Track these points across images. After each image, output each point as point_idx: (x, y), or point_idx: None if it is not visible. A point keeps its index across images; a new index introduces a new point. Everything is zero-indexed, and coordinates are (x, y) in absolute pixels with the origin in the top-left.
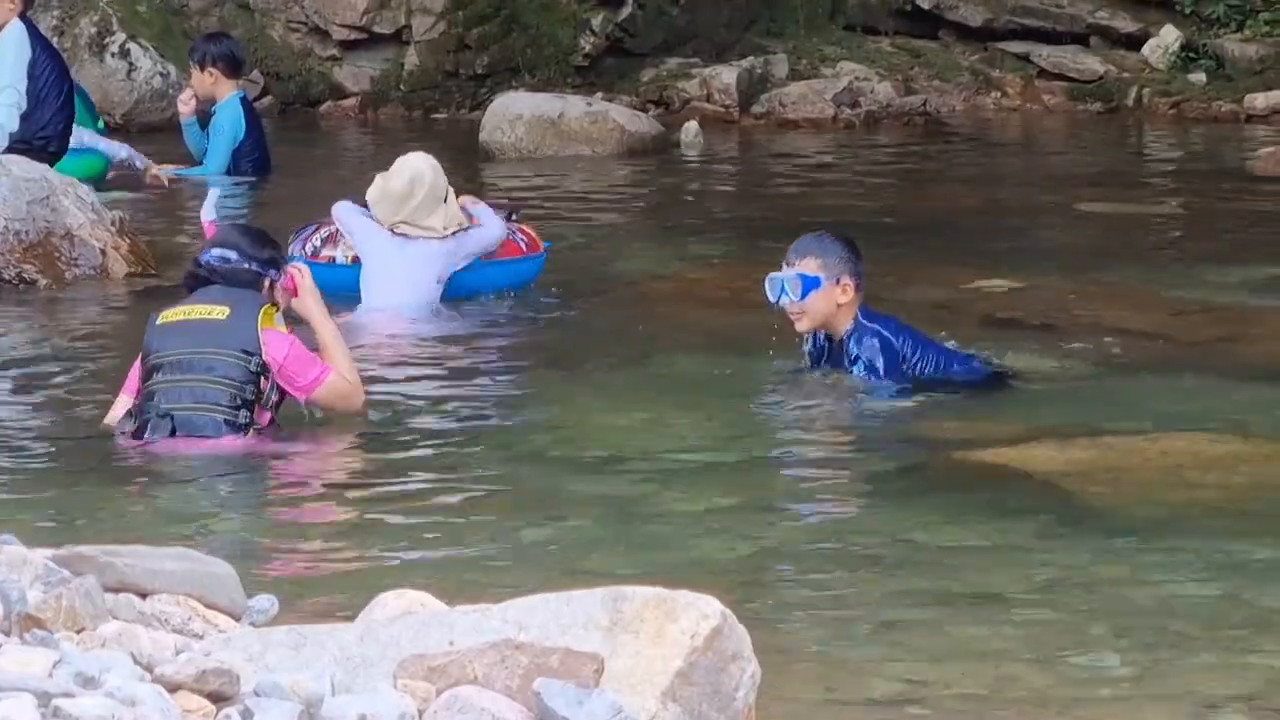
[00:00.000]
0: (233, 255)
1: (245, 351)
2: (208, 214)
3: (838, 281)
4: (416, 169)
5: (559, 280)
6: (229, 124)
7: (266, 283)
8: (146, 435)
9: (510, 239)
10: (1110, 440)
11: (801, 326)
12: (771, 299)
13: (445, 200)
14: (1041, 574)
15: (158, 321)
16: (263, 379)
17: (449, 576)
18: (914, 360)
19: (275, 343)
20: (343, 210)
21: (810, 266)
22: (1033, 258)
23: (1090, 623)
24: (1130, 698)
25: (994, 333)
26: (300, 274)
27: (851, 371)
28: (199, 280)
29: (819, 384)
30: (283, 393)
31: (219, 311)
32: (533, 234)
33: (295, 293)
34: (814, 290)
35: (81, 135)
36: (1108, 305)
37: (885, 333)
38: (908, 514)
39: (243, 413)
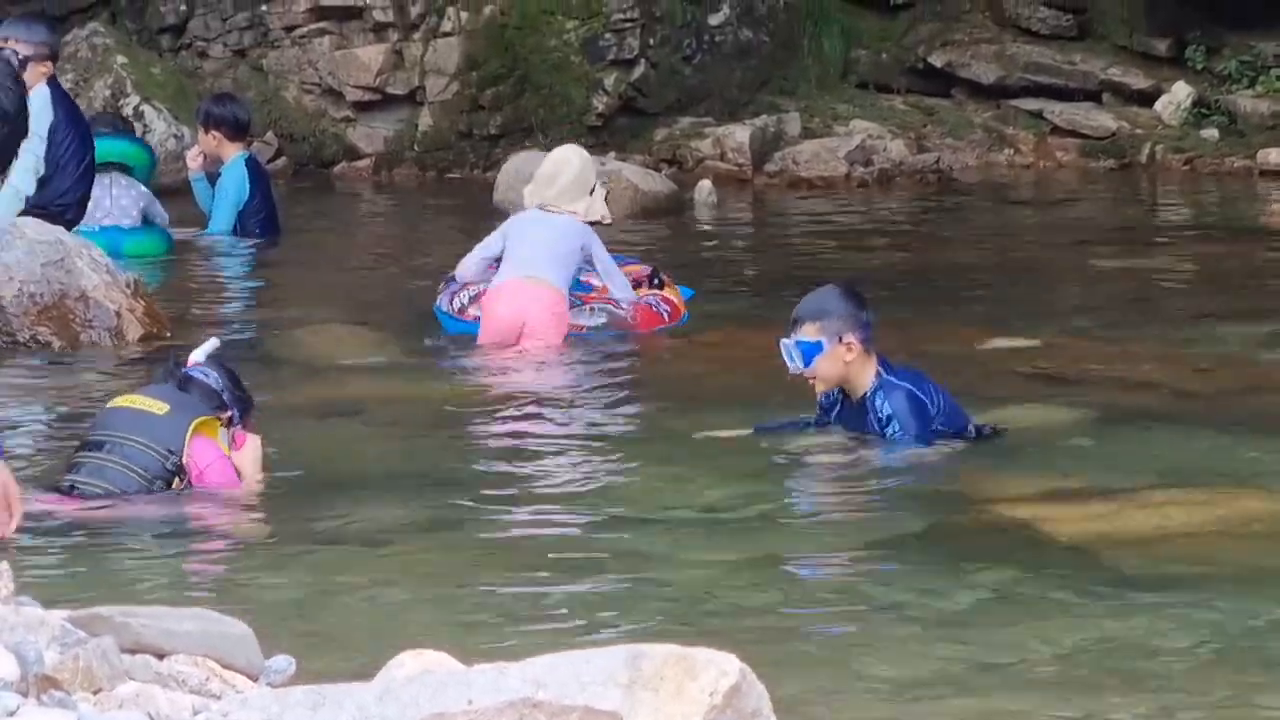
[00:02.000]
0: (213, 375)
1: (168, 450)
2: (198, 356)
3: (840, 339)
4: (564, 155)
5: (572, 337)
6: (233, 185)
7: (226, 416)
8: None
9: (651, 308)
10: (1129, 496)
11: (819, 389)
12: (788, 365)
13: (591, 193)
14: (1061, 632)
15: (108, 404)
16: (177, 479)
17: (465, 635)
18: (940, 414)
19: (202, 451)
20: (474, 260)
21: (809, 332)
22: (1049, 314)
23: (1110, 681)
24: None
25: (1012, 389)
26: (252, 443)
27: (883, 431)
28: (166, 377)
29: (836, 440)
30: None
31: (159, 407)
32: (675, 300)
33: (238, 447)
34: (817, 355)
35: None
36: (1124, 361)
37: (913, 388)
38: (927, 571)
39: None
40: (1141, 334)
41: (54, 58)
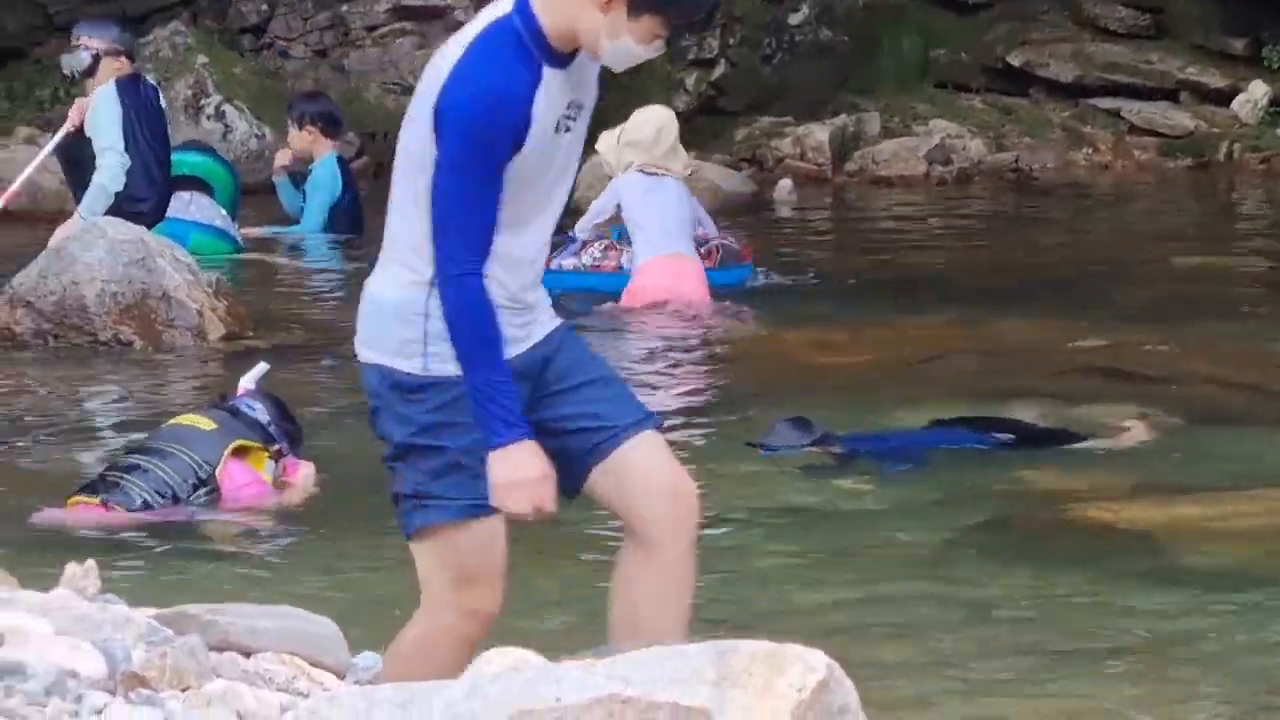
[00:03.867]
0: (258, 408)
1: (204, 461)
2: (248, 382)
3: None
4: (662, 116)
5: (653, 340)
6: (327, 181)
7: (275, 448)
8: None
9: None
10: (1208, 494)
11: None
12: None
13: (677, 150)
14: (1142, 630)
15: (167, 423)
16: (204, 488)
17: (547, 632)
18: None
19: (238, 472)
20: (588, 223)
21: None
22: (1127, 313)
23: (1191, 679)
24: None
25: (1091, 387)
26: (304, 470)
27: None
28: (217, 407)
29: (914, 437)
30: None
31: (207, 424)
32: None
33: (291, 476)
34: None
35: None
36: (1203, 359)
37: None
38: (1006, 568)
39: (157, 498)
40: (1220, 333)
41: (128, 55)
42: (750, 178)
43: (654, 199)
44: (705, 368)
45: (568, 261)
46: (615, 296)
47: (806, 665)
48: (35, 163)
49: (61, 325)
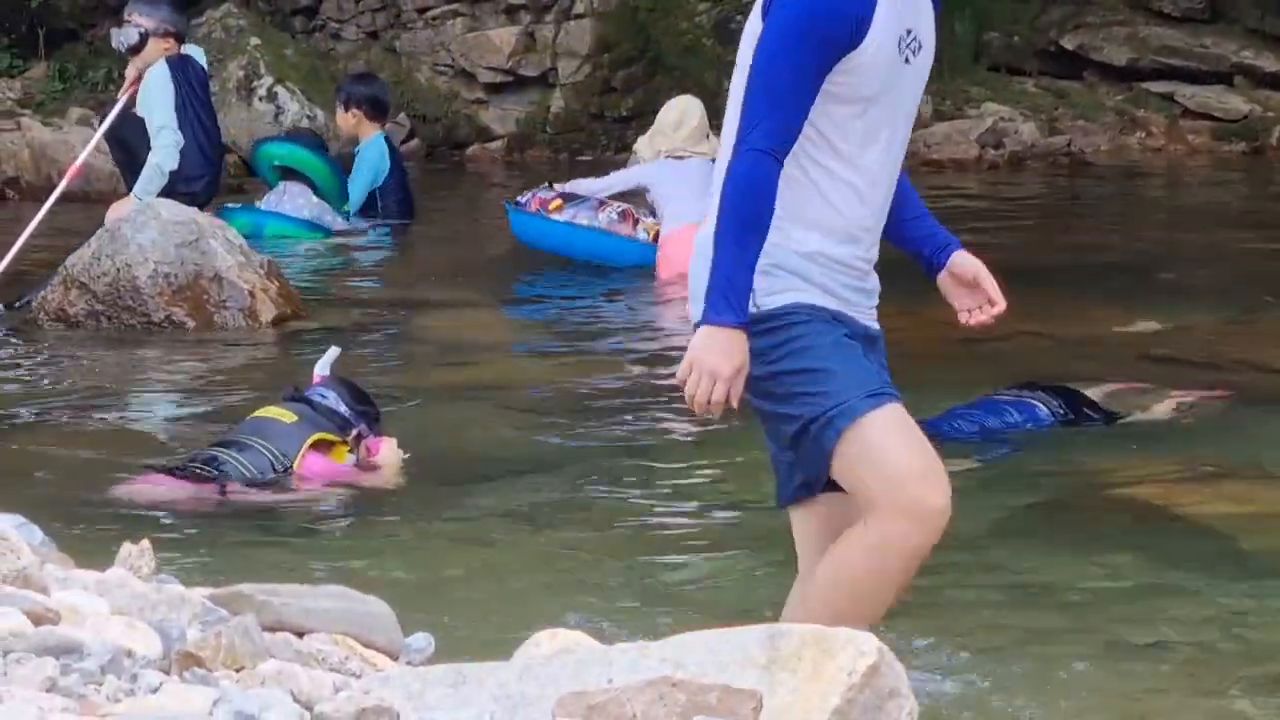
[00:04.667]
0: (331, 396)
1: (282, 453)
2: (322, 369)
3: None
4: (687, 104)
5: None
6: (371, 162)
7: (354, 433)
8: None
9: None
10: (1263, 478)
11: None
12: None
13: (709, 138)
14: (1196, 616)
15: (251, 415)
16: (282, 477)
17: (596, 616)
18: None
19: (317, 465)
20: (595, 185)
21: None
22: (1181, 297)
23: (1244, 665)
24: None
25: (1143, 372)
26: (388, 445)
27: None
28: (291, 399)
29: (963, 418)
30: None
31: (288, 416)
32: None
33: (374, 454)
34: None
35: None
36: (1257, 344)
37: None
38: (1057, 553)
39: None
40: (1274, 317)
41: (178, 37)
42: None
43: (680, 176)
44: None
45: (583, 218)
46: (624, 262)
47: (857, 649)
48: (94, 141)
49: (114, 306)
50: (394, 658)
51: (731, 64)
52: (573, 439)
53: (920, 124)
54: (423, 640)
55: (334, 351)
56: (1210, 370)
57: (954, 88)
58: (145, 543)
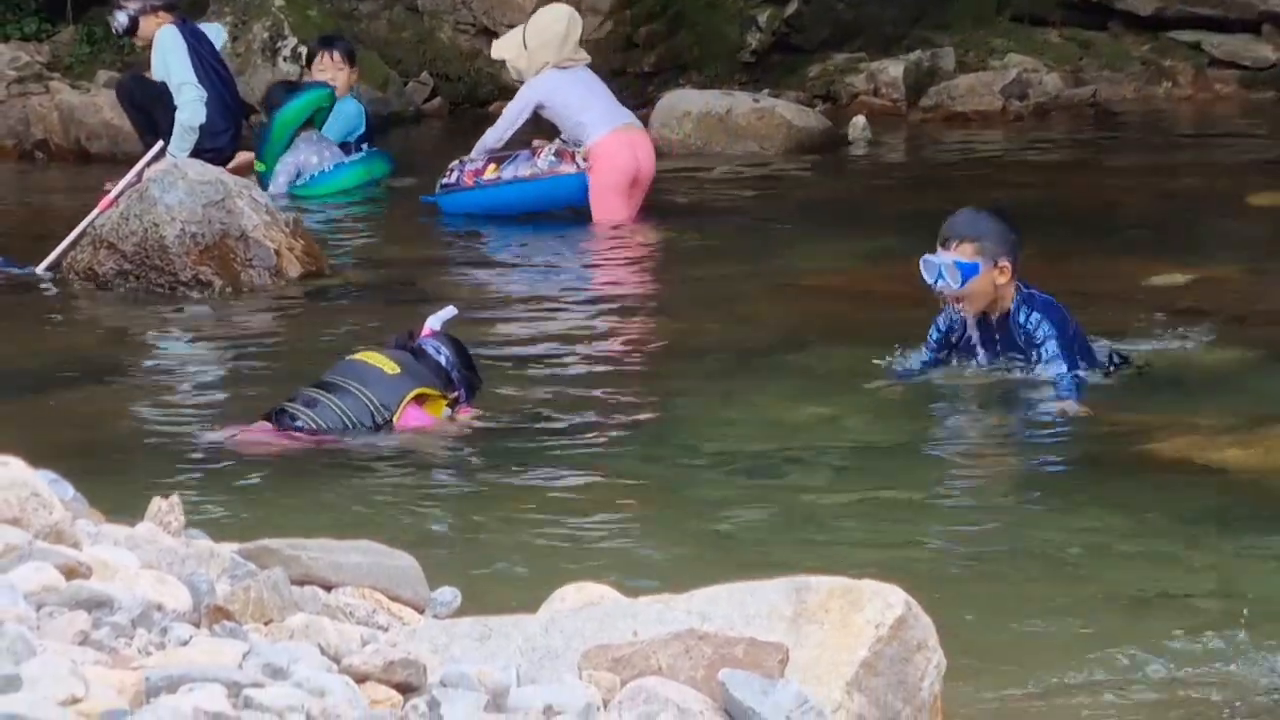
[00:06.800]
0: (444, 353)
1: (383, 405)
2: (434, 323)
3: (996, 264)
4: (566, 11)
5: (725, 274)
6: (354, 112)
7: (453, 396)
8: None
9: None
10: None
11: (966, 311)
12: (928, 280)
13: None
14: (1226, 572)
15: (348, 355)
16: (381, 430)
17: (622, 569)
18: (1076, 336)
19: (413, 416)
20: (496, 134)
21: (967, 252)
22: (1208, 248)
23: (1268, 613)
24: None
25: (1172, 324)
26: (467, 415)
27: (1031, 346)
28: (402, 344)
29: (990, 375)
30: None
31: (391, 366)
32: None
33: (462, 411)
34: (973, 277)
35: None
36: None
37: (1053, 300)
38: (1085, 509)
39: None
40: None
41: (167, 8)
42: (824, 115)
43: (582, 86)
44: (786, 304)
45: (524, 171)
46: (579, 202)
47: (885, 601)
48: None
49: (142, 266)
50: (420, 611)
51: (753, 19)
52: (601, 395)
53: (943, 76)
54: (449, 594)
55: (449, 310)
56: (1235, 322)
57: (977, 39)
58: (175, 498)
